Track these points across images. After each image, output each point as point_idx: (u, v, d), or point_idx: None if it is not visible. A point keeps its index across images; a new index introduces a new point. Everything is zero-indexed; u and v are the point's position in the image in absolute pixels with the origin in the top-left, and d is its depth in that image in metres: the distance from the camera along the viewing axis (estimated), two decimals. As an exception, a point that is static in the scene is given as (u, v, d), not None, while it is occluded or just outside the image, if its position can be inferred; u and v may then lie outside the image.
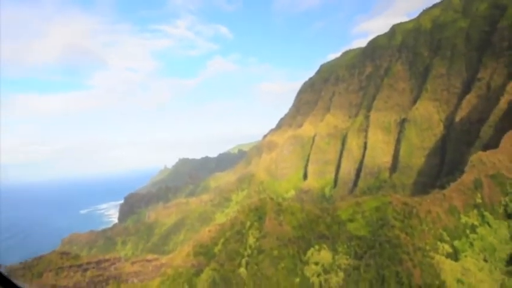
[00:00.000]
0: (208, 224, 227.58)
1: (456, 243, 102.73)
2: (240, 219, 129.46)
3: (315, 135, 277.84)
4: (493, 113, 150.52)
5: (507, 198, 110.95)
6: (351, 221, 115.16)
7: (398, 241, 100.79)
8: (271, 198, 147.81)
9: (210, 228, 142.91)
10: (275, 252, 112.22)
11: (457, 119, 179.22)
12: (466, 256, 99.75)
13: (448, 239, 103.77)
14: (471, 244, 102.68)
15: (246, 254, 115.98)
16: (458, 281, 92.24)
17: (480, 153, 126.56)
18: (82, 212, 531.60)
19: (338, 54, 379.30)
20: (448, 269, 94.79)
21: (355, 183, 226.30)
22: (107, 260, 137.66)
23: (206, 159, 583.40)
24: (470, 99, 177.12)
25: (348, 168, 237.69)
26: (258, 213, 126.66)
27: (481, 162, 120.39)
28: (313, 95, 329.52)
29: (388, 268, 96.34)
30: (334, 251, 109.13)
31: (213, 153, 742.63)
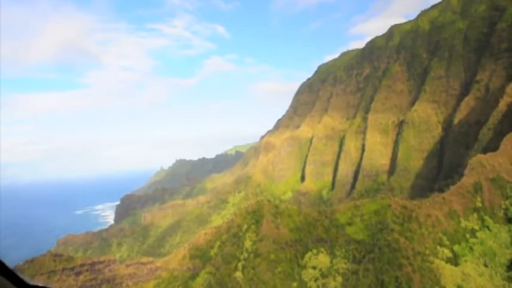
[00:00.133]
0: (205, 226, 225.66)
1: (456, 247, 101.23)
2: (236, 222, 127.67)
3: (312, 137, 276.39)
4: (492, 115, 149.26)
5: (507, 202, 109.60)
6: (349, 224, 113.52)
7: (397, 245, 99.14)
8: (268, 201, 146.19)
9: (206, 231, 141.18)
10: (272, 256, 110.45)
11: (456, 121, 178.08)
12: (466, 261, 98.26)
13: (447, 243, 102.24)
14: (471, 249, 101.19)
15: (242, 257, 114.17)
16: (458, 286, 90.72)
17: (480, 156, 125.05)
18: (78, 212, 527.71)
19: (335, 55, 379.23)
20: (448, 274, 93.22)
21: (352, 186, 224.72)
22: (101, 262, 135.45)
23: (203, 161, 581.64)
24: (469, 101, 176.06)
25: (345, 170, 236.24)
26: (255, 215, 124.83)
27: (480, 165, 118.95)
28: (310, 96, 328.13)
29: (387, 273, 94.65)
30: (332, 255, 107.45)
31: (210, 154, 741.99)
